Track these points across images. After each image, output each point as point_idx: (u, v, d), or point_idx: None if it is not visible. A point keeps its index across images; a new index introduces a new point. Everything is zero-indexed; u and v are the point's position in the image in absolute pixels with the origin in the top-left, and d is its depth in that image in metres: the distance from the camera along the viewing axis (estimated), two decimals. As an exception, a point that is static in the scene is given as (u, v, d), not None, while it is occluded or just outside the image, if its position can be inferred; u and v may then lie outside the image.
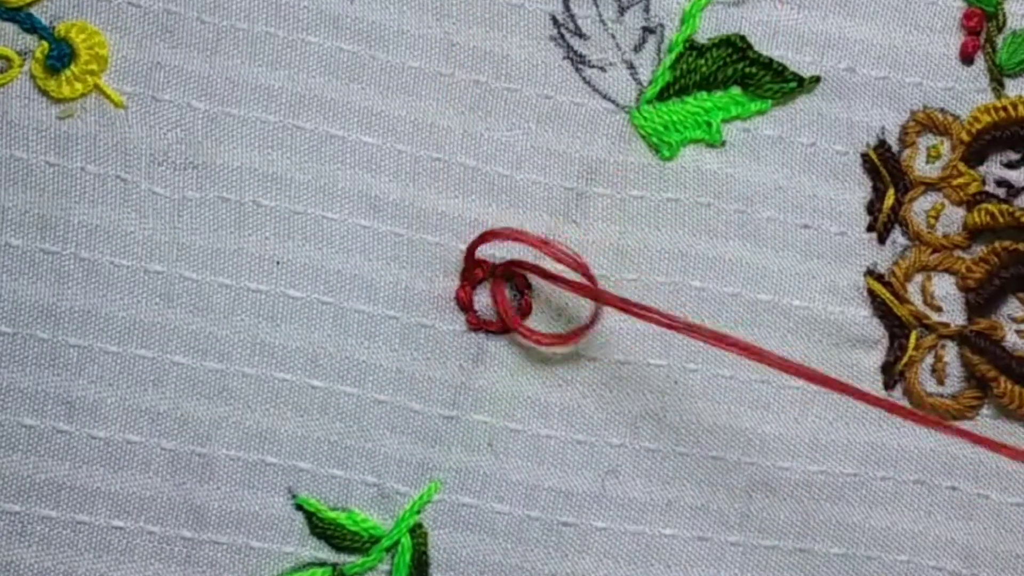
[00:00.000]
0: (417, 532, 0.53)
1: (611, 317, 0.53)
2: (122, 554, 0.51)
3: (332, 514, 0.53)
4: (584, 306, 0.53)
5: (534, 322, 0.53)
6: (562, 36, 0.53)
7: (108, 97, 0.52)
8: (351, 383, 0.52)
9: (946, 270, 0.54)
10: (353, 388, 0.52)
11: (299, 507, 0.52)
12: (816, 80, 0.54)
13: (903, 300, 0.54)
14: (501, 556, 0.53)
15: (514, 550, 0.53)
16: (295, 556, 0.53)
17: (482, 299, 0.53)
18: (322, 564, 0.52)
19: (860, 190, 0.54)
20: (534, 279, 0.52)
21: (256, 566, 0.52)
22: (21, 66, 0.51)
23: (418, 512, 0.53)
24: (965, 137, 0.54)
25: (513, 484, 0.53)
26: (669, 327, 0.49)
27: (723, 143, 0.54)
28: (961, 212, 0.54)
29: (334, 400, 0.52)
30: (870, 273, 0.54)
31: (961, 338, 0.54)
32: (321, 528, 0.53)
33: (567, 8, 0.53)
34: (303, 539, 0.52)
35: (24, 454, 0.51)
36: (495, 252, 0.52)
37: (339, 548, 0.53)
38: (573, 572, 0.53)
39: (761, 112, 0.54)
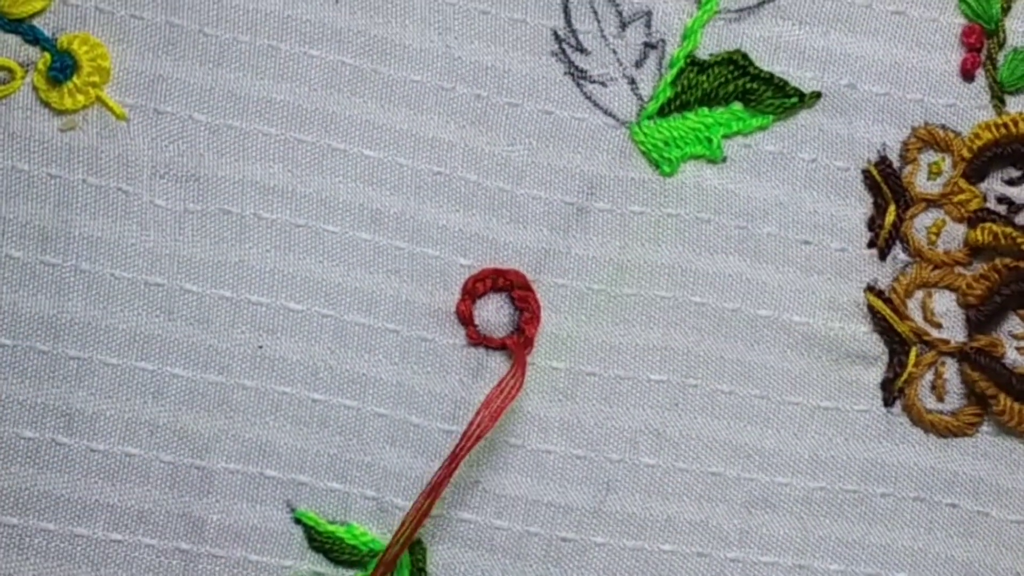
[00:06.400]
0: (416, 548, 0.53)
1: (612, 333, 0.53)
2: (120, 567, 0.51)
3: (331, 527, 0.52)
4: (591, 325, 0.53)
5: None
6: (563, 51, 0.53)
7: (110, 109, 0.52)
8: (351, 396, 0.52)
9: (947, 287, 0.54)
10: (353, 401, 0.52)
11: (298, 520, 0.52)
12: (817, 96, 0.54)
13: (903, 316, 0.54)
14: (500, 572, 0.53)
15: (513, 566, 0.53)
16: (294, 570, 0.52)
17: (482, 314, 0.53)
18: (320, 578, 0.53)
19: (861, 206, 0.54)
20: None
21: (254, 580, 0.52)
22: (23, 77, 0.51)
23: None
24: (966, 154, 0.54)
25: (512, 499, 0.53)
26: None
27: (724, 159, 0.54)
28: (962, 229, 0.54)
29: (334, 413, 0.52)
30: (870, 289, 0.54)
31: (961, 355, 0.54)
32: (320, 542, 0.52)
33: (569, 23, 0.53)
34: (302, 553, 0.52)
35: (23, 466, 0.51)
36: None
37: (338, 562, 0.52)
38: (572, 588, 0.53)
39: (762, 128, 0.54)
